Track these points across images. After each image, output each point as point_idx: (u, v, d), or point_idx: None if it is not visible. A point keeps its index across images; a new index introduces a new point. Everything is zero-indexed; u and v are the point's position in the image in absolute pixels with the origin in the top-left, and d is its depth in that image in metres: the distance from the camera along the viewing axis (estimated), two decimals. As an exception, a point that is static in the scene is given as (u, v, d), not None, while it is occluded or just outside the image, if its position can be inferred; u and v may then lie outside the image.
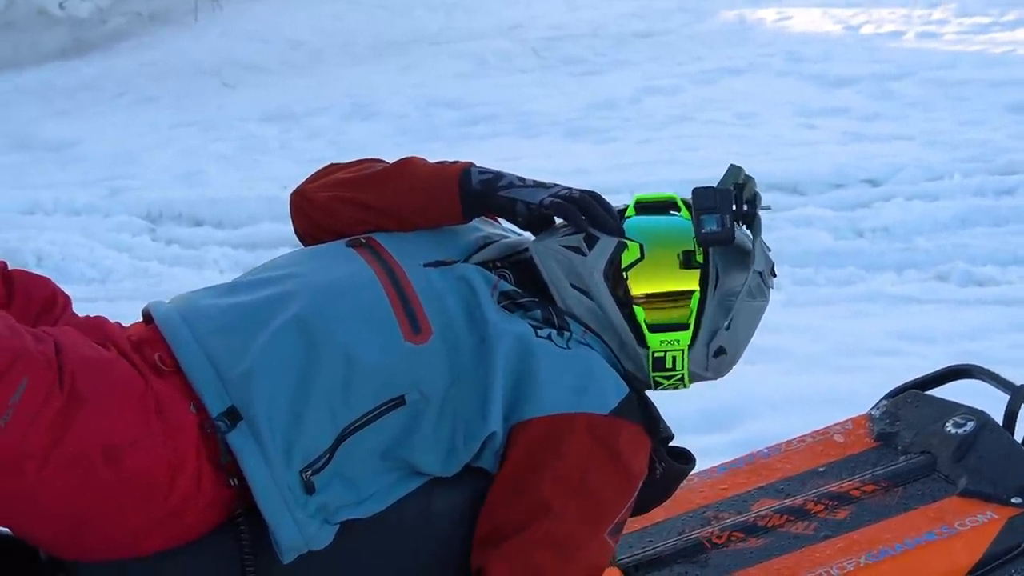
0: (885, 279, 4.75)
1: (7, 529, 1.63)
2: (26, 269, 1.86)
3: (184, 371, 1.65)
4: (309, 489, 1.64)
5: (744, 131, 6.84)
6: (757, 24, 9.60)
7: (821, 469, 2.17)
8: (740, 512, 2.07)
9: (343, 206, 1.87)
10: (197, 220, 5.87)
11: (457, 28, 9.95)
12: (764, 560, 1.95)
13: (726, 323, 1.82)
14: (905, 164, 5.93)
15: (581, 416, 1.70)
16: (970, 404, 2.17)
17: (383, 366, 1.67)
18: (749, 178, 1.87)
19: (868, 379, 3.22)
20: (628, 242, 1.81)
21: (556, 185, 1.85)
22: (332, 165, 1.97)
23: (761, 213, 1.90)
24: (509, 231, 1.96)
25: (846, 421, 2.28)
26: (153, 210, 5.95)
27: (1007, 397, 2.13)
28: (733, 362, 1.87)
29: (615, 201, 1.90)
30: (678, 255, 1.82)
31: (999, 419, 2.11)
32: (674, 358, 1.79)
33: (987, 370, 2.22)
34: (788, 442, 2.27)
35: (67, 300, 1.84)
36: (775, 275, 1.91)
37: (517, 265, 1.85)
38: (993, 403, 2.14)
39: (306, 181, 1.95)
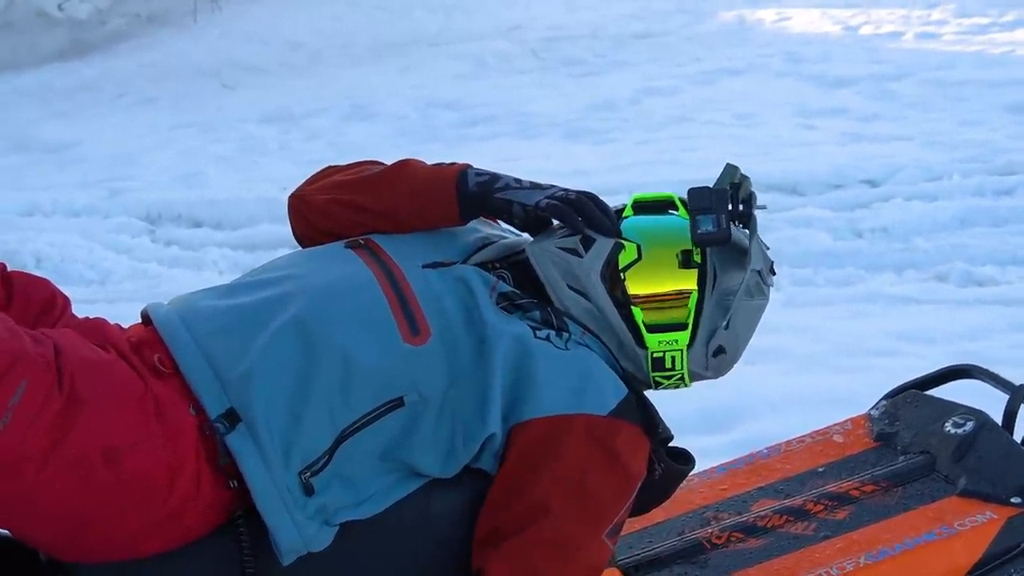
0: (884, 279, 4.75)
1: (7, 531, 1.63)
2: (25, 271, 1.86)
3: (183, 373, 1.65)
4: (308, 491, 1.64)
5: (743, 132, 6.84)
6: (756, 25, 9.60)
7: (820, 469, 2.17)
8: (740, 512, 2.07)
9: (341, 209, 1.87)
10: (196, 221, 5.87)
11: (456, 29, 9.96)
12: (764, 560, 1.95)
13: (725, 322, 1.82)
14: (904, 164, 5.93)
15: (580, 417, 1.70)
16: (969, 404, 2.17)
17: (382, 367, 1.67)
18: (745, 177, 1.87)
19: (867, 379, 3.22)
20: (625, 243, 1.81)
21: (553, 186, 1.85)
22: (330, 167, 1.97)
23: (759, 213, 1.90)
24: (508, 232, 1.96)
25: (845, 421, 2.28)
26: (152, 211, 5.96)
27: (1006, 397, 2.13)
28: (733, 361, 1.87)
29: (614, 202, 1.90)
30: (676, 255, 1.82)
31: (998, 419, 2.11)
32: (673, 358, 1.79)
33: (986, 370, 2.22)
34: (787, 442, 2.27)
35: (66, 302, 1.84)
36: (774, 273, 1.91)
37: (516, 266, 1.85)
38: (992, 403, 2.14)
39: (304, 184, 1.95)
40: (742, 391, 3.42)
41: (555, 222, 1.86)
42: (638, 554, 1.97)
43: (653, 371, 1.80)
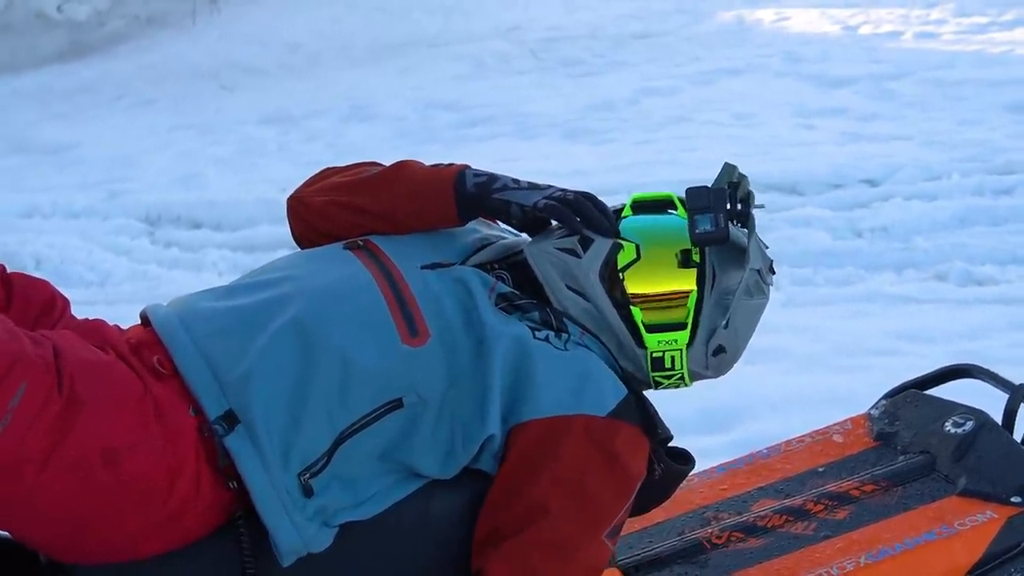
0: (884, 279, 4.75)
1: (6, 533, 1.63)
2: (25, 272, 1.86)
3: (182, 374, 1.65)
4: (307, 492, 1.63)
5: (742, 132, 6.85)
6: (755, 25, 9.60)
7: (820, 469, 2.17)
8: (740, 512, 2.07)
9: (339, 210, 1.87)
10: (196, 223, 5.87)
11: (455, 30, 9.96)
12: (764, 560, 1.95)
13: (724, 321, 1.82)
14: (903, 164, 5.93)
15: (579, 418, 1.70)
16: (969, 403, 2.17)
17: (380, 369, 1.67)
18: (743, 177, 1.87)
19: (867, 379, 3.22)
20: (624, 243, 1.81)
21: (551, 187, 1.85)
22: (328, 169, 1.97)
23: (758, 212, 1.90)
24: (507, 232, 1.96)
25: (845, 421, 2.28)
26: (152, 213, 5.96)
27: (1006, 396, 2.13)
28: (734, 360, 1.87)
29: (612, 202, 1.90)
30: (675, 254, 1.82)
31: (998, 418, 2.11)
32: (673, 358, 1.79)
33: (986, 369, 2.22)
34: (787, 442, 2.27)
35: (66, 303, 1.84)
36: (774, 272, 1.91)
37: (515, 267, 1.85)
38: (992, 402, 2.14)
39: (302, 185, 1.95)
40: (742, 391, 3.42)
41: (553, 222, 1.85)
42: (638, 554, 1.97)
43: (653, 371, 1.80)
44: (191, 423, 1.62)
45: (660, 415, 1.79)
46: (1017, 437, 2.09)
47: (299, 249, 1.94)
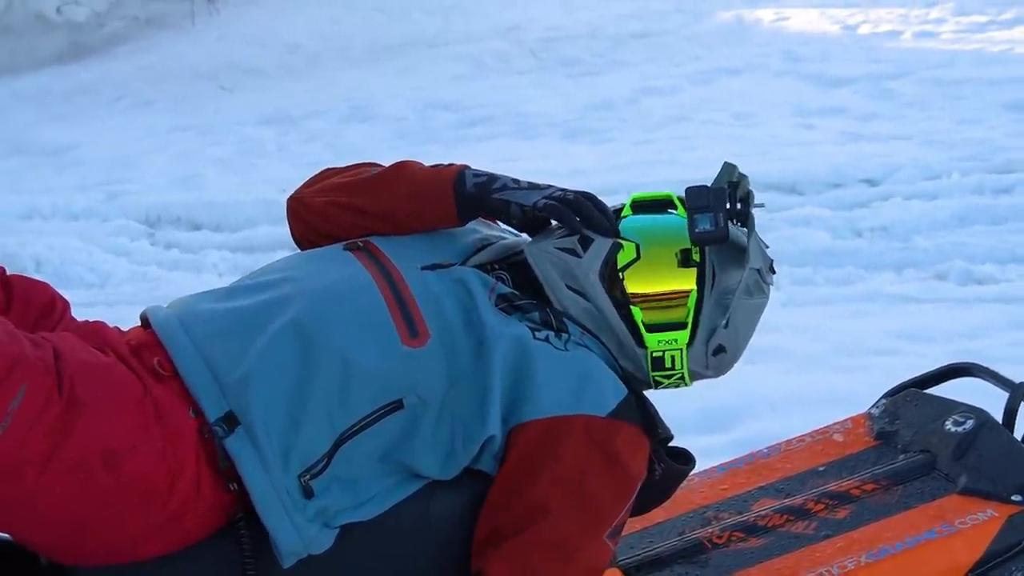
0: (884, 278, 4.75)
1: (7, 535, 1.63)
2: (25, 274, 1.85)
3: (182, 376, 1.65)
4: (308, 493, 1.63)
5: (742, 131, 6.85)
6: (755, 24, 9.60)
7: (821, 468, 2.17)
8: (740, 512, 2.07)
9: (339, 211, 1.87)
10: (195, 224, 5.87)
11: (454, 31, 9.96)
12: (764, 560, 1.95)
13: (724, 321, 1.81)
14: (903, 163, 5.93)
15: (579, 418, 1.70)
16: (969, 402, 2.17)
17: (380, 370, 1.67)
18: (743, 176, 1.87)
19: (867, 378, 3.22)
20: (624, 242, 1.81)
21: (551, 187, 1.85)
22: (328, 170, 1.97)
23: (758, 212, 1.90)
24: (507, 232, 1.96)
25: (846, 420, 2.28)
26: (151, 214, 5.96)
27: (1006, 395, 2.13)
28: (734, 360, 1.87)
29: (612, 201, 1.90)
30: (675, 254, 1.81)
31: (999, 417, 2.11)
32: (673, 357, 1.79)
33: (986, 368, 2.21)
34: (788, 442, 2.27)
35: (66, 305, 1.83)
36: (774, 272, 1.90)
37: (515, 267, 1.84)
38: (992, 401, 2.14)
39: (302, 186, 1.95)
40: (742, 391, 3.42)
41: (553, 222, 1.85)
42: (639, 554, 1.97)
43: (653, 371, 1.80)
44: (191, 425, 1.62)
45: (660, 415, 1.79)
46: (1017, 436, 2.09)
47: (299, 250, 1.94)
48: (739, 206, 1.87)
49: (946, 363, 2.31)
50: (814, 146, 6.45)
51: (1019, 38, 8.48)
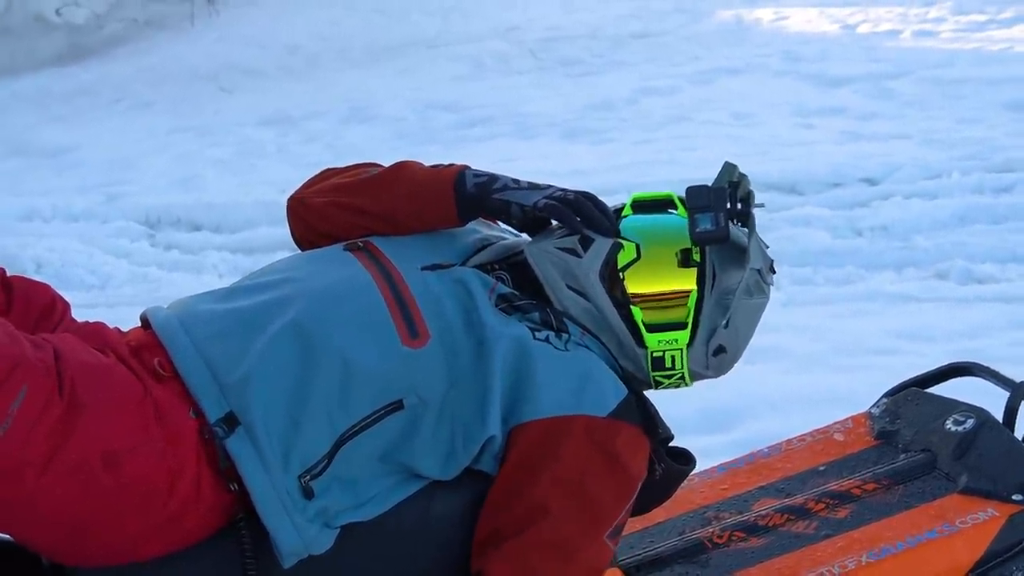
0: (884, 278, 4.75)
1: (8, 536, 1.63)
2: (25, 276, 1.85)
3: (182, 376, 1.65)
4: (308, 494, 1.63)
5: (741, 131, 6.85)
6: (754, 24, 9.61)
7: (821, 468, 2.16)
8: (741, 512, 2.07)
9: (339, 211, 1.87)
10: (195, 225, 5.87)
11: (454, 31, 9.96)
12: (765, 560, 1.95)
13: (724, 321, 1.81)
14: (903, 163, 5.94)
15: (579, 418, 1.70)
16: (970, 402, 2.17)
17: (381, 371, 1.67)
18: (743, 176, 1.87)
19: (868, 378, 3.22)
20: (624, 242, 1.81)
21: (551, 187, 1.85)
22: (328, 170, 1.97)
23: (758, 212, 1.90)
24: (507, 232, 1.96)
25: (846, 420, 2.28)
26: (151, 215, 5.96)
27: (1007, 394, 2.13)
28: (734, 360, 1.86)
29: (612, 201, 1.90)
30: (675, 254, 1.81)
31: (999, 416, 2.11)
32: (673, 357, 1.79)
33: (987, 367, 2.21)
34: (788, 441, 2.27)
35: (66, 306, 1.83)
36: (774, 272, 1.90)
37: (515, 267, 1.84)
38: (993, 400, 2.14)
39: (303, 186, 1.95)
40: (742, 390, 3.42)
41: (554, 222, 1.85)
42: (639, 554, 1.97)
43: (653, 371, 1.80)
44: (192, 425, 1.62)
45: (660, 415, 1.79)
46: (1018, 435, 2.09)
47: (299, 250, 1.94)
48: (740, 206, 1.87)
49: (946, 362, 2.31)
50: (814, 146, 6.45)
51: (1018, 37, 8.48)
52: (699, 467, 1.96)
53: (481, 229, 1.91)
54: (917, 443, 2.15)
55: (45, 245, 5.42)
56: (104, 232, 5.74)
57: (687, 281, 1.80)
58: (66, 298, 1.85)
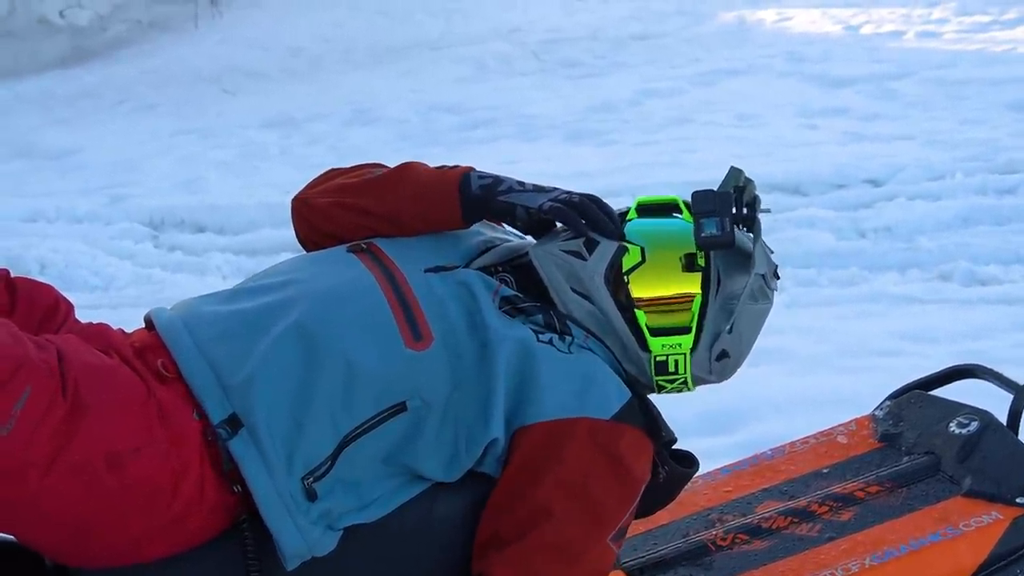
0: (888, 279, 4.75)
1: (11, 536, 1.63)
2: (29, 277, 1.86)
3: (185, 378, 1.65)
4: (311, 496, 1.63)
5: (745, 132, 6.85)
6: (756, 25, 9.61)
7: (825, 470, 2.16)
8: (744, 514, 2.07)
9: (344, 212, 1.87)
10: (199, 227, 5.88)
11: (456, 33, 9.97)
12: (768, 562, 1.95)
13: (728, 326, 1.81)
14: (906, 164, 5.93)
15: (583, 421, 1.70)
16: (974, 404, 2.17)
17: (384, 373, 1.67)
18: (749, 181, 1.87)
19: (871, 380, 3.22)
20: (629, 246, 1.81)
21: (556, 189, 1.85)
22: (333, 170, 1.97)
23: (762, 215, 1.90)
24: (511, 235, 1.95)
25: (850, 422, 2.28)
26: (155, 217, 5.96)
27: (1011, 397, 2.12)
28: (737, 365, 1.86)
29: (615, 204, 1.90)
30: (680, 258, 1.81)
31: (1003, 419, 2.11)
32: (676, 362, 1.79)
33: (991, 370, 2.21)
34: (792, 443, 2.26)
35: (70, 307, 1.84)
36: (778, 277, 1.90)
37: (519, 269, 1.84)
38: (997, 403, 2.14)
39: (307, 187, 1.95)
40: (746, 393, 3.42)
41: (558, 225, 1.85)
42: (643, 556, 1.97)
43: (656, 375, 1.80)
44: (195, 427, 1.62)
45: (664, 417, 1.79)
46: (1022, 437, 2.09)
47: (304, 251, 1.94)
48: (745, 211, 1.86)
49: (950, 364, 2.31)
50: (817, 147, 6.45)
51: (1022, 38, 8.48)
52: (702, 469, 1.96)
53: (485, 231, 1.91)
54: (921, 446, 2.14)
55: (49, 246, 5.43)
56: (108, 234, 5.75)
57: (691, 285, 1.80)
58: (70, 299, 1.85)
